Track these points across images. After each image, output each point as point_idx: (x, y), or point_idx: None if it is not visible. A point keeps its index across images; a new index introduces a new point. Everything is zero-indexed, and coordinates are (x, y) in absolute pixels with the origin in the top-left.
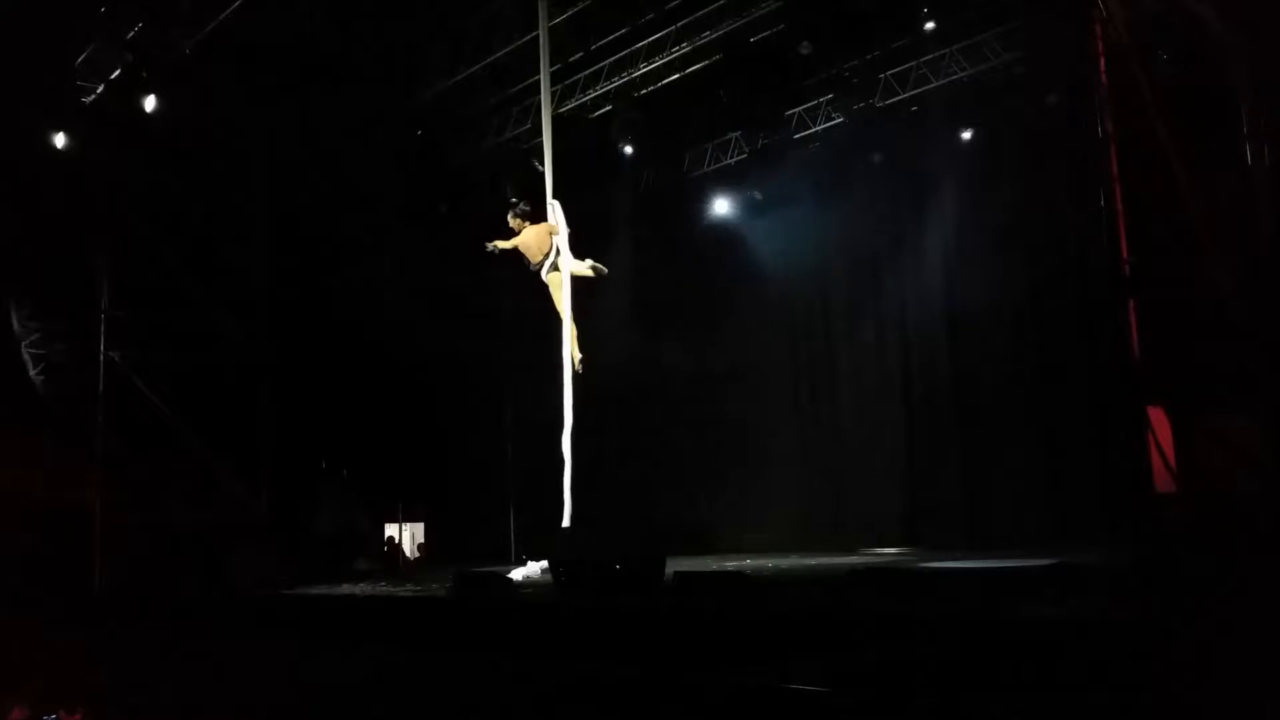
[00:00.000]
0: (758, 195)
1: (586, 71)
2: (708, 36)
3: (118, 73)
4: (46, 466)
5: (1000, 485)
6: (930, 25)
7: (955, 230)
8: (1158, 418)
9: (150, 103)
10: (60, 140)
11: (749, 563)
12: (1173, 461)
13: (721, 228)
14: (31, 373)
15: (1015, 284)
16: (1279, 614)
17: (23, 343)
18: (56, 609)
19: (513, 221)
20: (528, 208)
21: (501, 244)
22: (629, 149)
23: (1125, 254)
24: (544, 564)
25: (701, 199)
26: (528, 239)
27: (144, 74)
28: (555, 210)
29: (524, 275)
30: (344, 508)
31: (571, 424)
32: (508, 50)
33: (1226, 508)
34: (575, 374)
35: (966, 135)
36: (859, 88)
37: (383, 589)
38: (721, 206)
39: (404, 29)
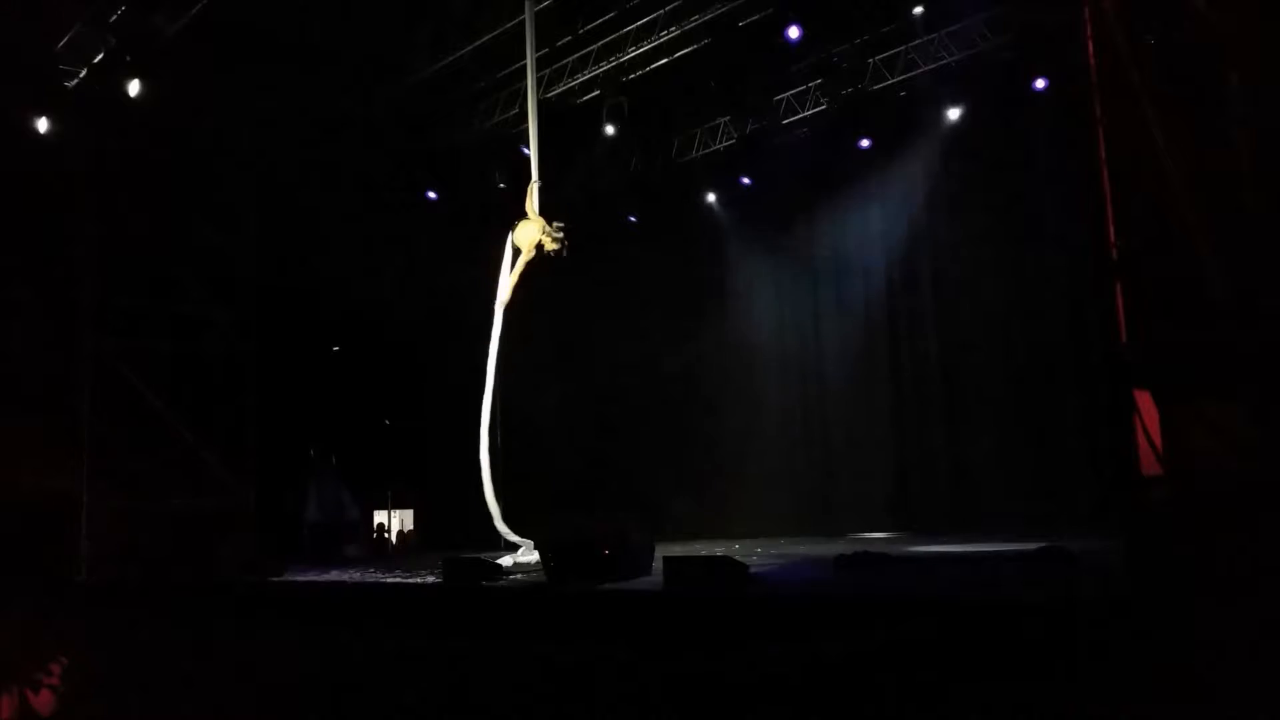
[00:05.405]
0: (746, 180)
1: (574, 56)
2: (696, 20)
3: (100, 57)
4: (33, 453)
5: (988, 469)
6: (919, 10)
7: (943, 214)
8: (1144, 401)
9: (134, 87)
10: (43, 125)
11: (737, 548)
12: (1159, 445)
13: (709, 213)
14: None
15: (1002, 268)
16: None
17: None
18: (42, 596)
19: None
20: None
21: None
22: (616, 134)
23: (1113, 237)
24: (533, 550)
25: (689, 185)
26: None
27: (127, 58)
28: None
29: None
30: (333, 495)
31: (489, 420)
32: (494, 34)
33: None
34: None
35: (954, 119)
36: (847, 73)
37: (372, 575)
38: (709, 192)
39: (389, 12)
